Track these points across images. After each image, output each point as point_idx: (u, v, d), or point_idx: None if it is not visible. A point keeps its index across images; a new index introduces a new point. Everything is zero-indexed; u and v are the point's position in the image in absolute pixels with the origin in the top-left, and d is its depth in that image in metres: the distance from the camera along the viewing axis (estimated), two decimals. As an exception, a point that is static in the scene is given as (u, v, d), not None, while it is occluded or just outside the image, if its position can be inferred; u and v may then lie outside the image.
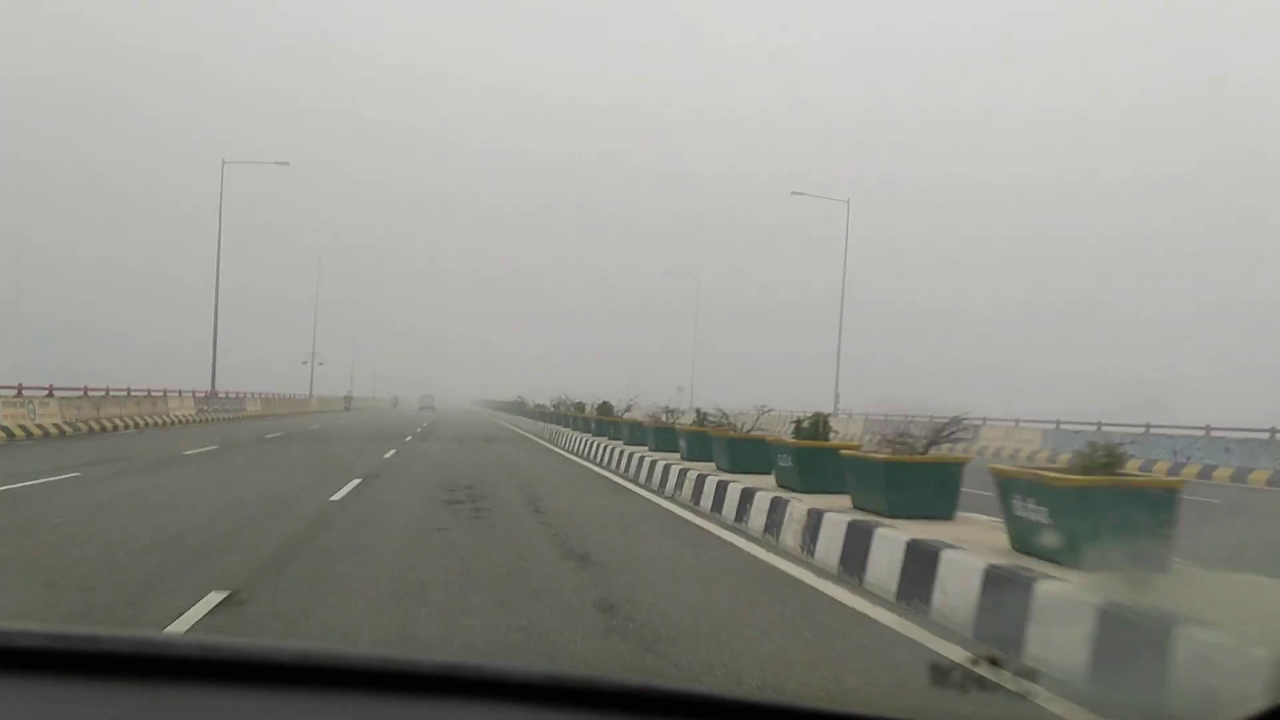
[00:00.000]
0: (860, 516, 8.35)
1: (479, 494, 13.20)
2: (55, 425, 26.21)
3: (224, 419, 42.10)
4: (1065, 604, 5.09)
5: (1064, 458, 24.39)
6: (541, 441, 30.82)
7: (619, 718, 1.42)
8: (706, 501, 12.15)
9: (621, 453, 18.86)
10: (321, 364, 67.98)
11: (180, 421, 36.54)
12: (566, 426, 30.66)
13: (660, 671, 4.88)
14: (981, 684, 1.83)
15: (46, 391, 27.10)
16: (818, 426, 11.52)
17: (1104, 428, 27.63)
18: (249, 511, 10.74)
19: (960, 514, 8.71)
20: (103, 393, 31.55)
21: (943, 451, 9.16)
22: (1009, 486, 6.85)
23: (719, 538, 9.90)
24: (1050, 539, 6.28)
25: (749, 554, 8.89)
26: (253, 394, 52.12)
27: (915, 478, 8.70)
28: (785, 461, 11.39)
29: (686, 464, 14.58)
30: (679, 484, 13.65)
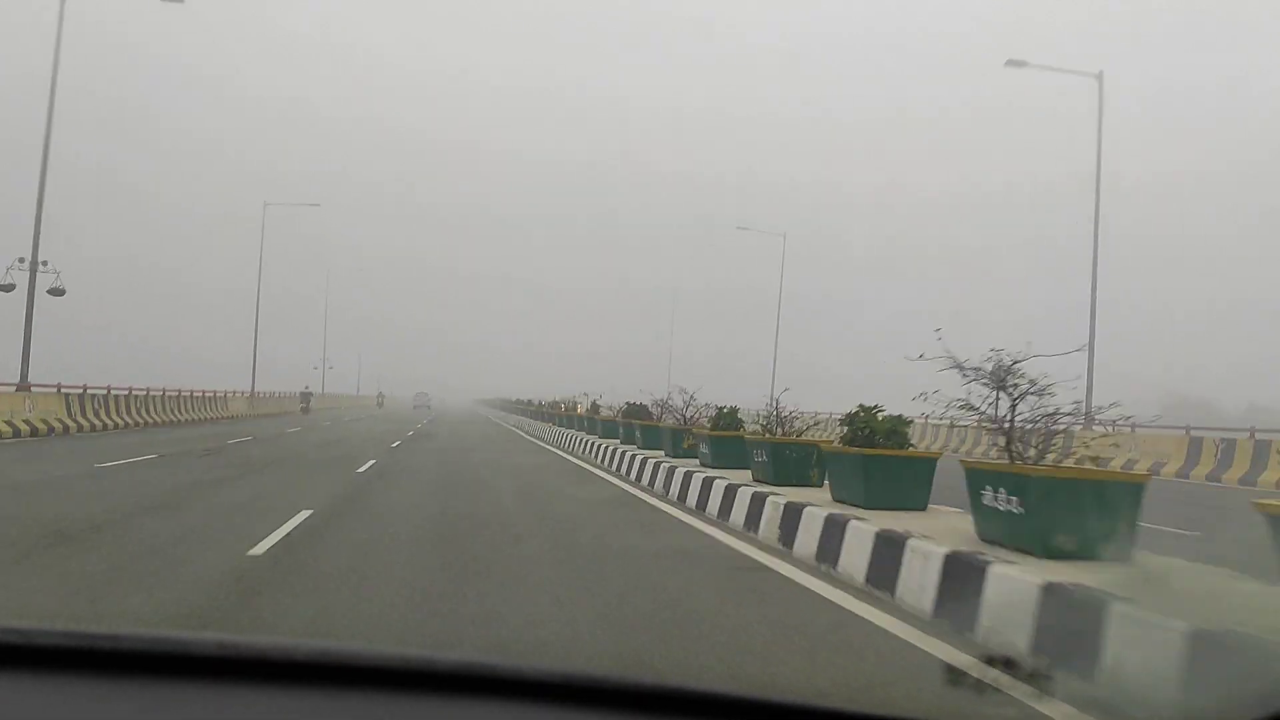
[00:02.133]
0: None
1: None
2: None
3: None
4: None
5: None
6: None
7: (633, 717, 1.43)
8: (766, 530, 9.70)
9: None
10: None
11: None
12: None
13: None
14: (996, 686, 1.83)
15: None
16: (896, 429, 9.53)
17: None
18: None
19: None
20: None
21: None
22: None
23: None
24: None
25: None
26: None
27: (1103, 503, 6.30)
28: (846, 472, 9.54)
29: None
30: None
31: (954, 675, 1.84)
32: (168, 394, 35.93)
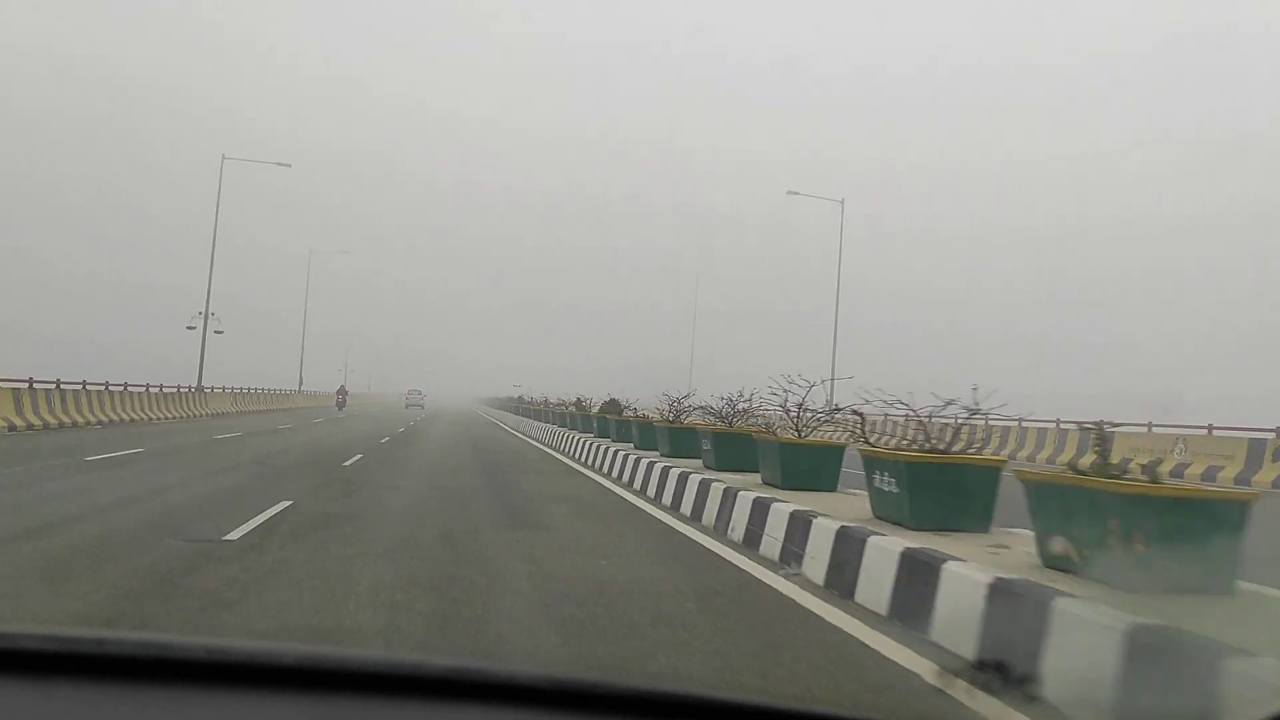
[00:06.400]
0: None
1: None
2: None
3: None
4: None
5: None
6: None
7: None
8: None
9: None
10: None
11: None
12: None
13: None
14: (988, 689, 1.84)
15: None
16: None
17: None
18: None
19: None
20: None
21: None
22: None
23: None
24: None
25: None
26: None
27: None
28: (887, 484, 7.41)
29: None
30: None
31: (946, 678, 1.85)
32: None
